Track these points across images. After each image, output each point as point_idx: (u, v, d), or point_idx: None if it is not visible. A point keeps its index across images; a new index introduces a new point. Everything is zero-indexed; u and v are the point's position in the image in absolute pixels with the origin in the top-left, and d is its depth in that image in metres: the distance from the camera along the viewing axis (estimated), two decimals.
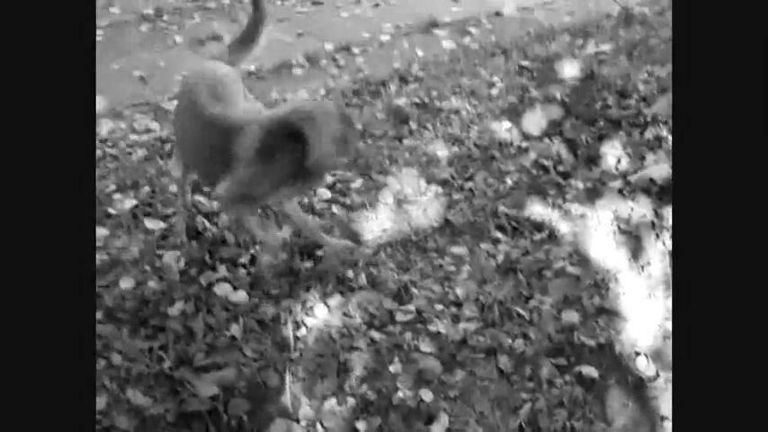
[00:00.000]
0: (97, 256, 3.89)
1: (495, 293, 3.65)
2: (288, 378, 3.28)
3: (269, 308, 3.59)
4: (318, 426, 3.15)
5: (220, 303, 3.62)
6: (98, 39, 6.86)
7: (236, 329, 3.48)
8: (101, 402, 3.17)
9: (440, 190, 4.42)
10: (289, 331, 3.50)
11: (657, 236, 4.06)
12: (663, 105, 5.05)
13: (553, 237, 4.07)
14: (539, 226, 4.14)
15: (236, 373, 3.28)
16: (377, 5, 7.68)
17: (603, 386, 3.29)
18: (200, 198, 4.22)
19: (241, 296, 3.66)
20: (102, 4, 7.54)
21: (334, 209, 4.26)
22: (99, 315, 3.56)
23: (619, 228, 4.13)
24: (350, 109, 5.39)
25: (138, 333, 3.49)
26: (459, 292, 3.69)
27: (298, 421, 3.15)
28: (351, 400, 3.21)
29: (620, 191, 4.37)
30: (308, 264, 3.86)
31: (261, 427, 3.12)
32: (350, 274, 3.78)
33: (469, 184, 4.46)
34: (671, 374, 3.30)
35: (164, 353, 3.36)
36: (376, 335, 3.48)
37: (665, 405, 3.29)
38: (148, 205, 4.26)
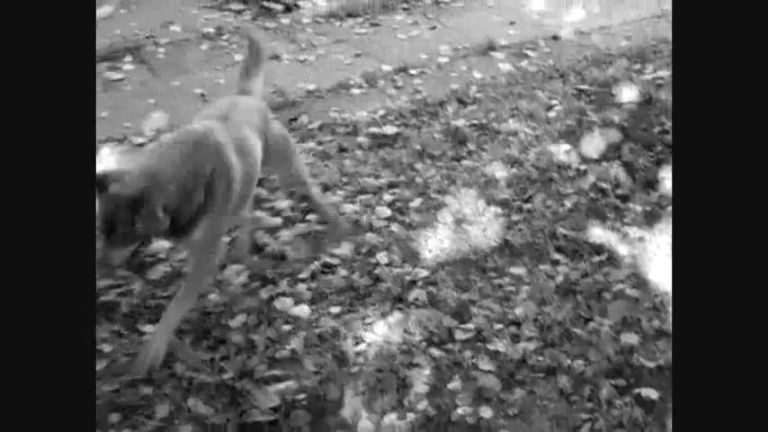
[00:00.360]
0: (161, 268, 3.97)
1: (555, 314, 3.65)
2: (348, 392, 3.31)
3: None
4: None
5: (281, 317, 3.67)
6: (159, 56, 6.98)
7: (296, 342, 3.53)
8: (163, 410, 3.22)
9: (499, 211, 4.44)
10: (348, 346, 3.53)
11: None
12: None
13: (612, 259, 4.06)
14: (598, 248, 4.14)
15: (296, 386, 3.32)
16: (434, 28, 7.73)
17: (663, 408, 3.27)
18: (261, 214, 4.27)
19: (302, 310, 3.71)
20: (163, 22, 7.67)
21: (393, 227, 4.31)
22: None
23: None
24: (408, 130, 5.43)
25: (201, 344, 3.55)
26: (519, 312, 3.70)
27: None
28: (410, 416, 3.23)
29: None
30: (368, 281, 3.91)
31: None
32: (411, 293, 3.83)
33: (528, 206, 4.48)
34: None
35: (225, 364, 3.41)
36: (436, 352, 3.51)
37: None
38: None
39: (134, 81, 6.46)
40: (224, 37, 7.43)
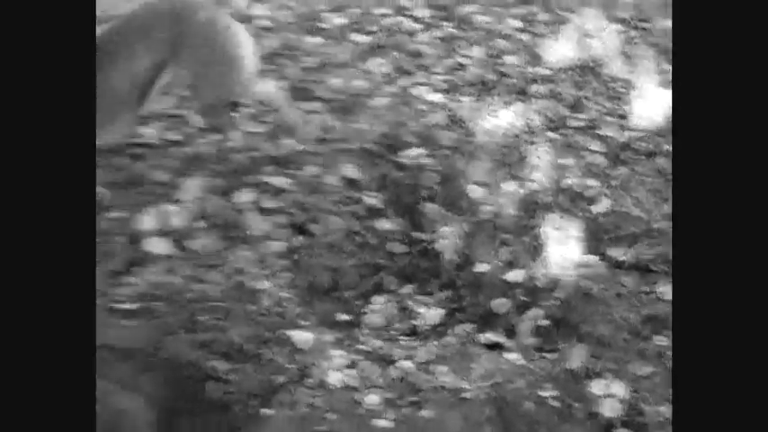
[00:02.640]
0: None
1: None
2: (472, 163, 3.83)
3: None
4: None
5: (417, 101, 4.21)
6: None
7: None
8: None
9: (620, 27, 4.84)
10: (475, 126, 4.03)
11: None
12: None
13: None
14: None
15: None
16: None
17: None
18: None
19: (436, 96, 4.23)
20: None
21: (523, 36, 4.75)
22: None
23: None
24: None
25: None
26: (626, 108, 4.14)
27: None
28: (527, 185, 3.75)
29: None
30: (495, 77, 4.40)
31: None
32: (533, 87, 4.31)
33: (645, 25, 4.85)
34: None
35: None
36: (551, 134, 4.00)
37: None
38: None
39: None
40: None
